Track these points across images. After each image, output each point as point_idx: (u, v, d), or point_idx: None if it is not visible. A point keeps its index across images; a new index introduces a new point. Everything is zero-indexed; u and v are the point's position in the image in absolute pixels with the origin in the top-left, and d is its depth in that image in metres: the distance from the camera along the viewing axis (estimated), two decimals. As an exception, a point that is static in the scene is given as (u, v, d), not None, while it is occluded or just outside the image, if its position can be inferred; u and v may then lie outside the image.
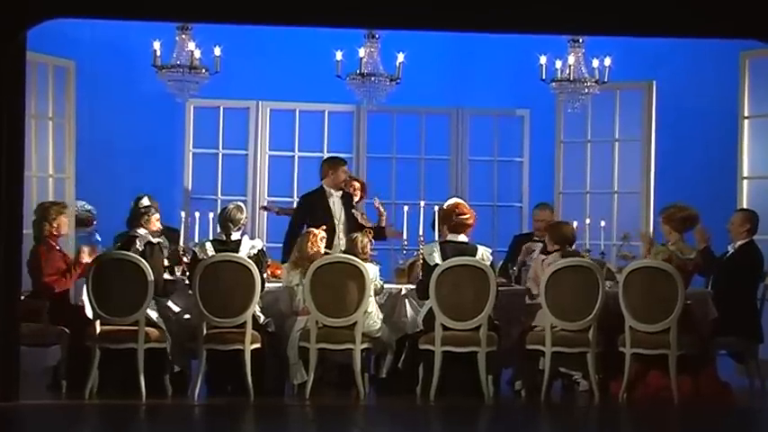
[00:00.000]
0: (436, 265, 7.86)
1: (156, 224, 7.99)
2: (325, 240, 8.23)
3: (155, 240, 7.84)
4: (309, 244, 8.09)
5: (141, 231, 7.85)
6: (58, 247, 8.12)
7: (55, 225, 8.05)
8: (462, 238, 8.02)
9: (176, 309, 7.98)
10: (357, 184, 9.32)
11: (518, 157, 10.89)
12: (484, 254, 7.94)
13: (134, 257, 7.62)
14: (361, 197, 9.35)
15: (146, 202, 8.05)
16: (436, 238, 8.25)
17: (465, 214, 8.05)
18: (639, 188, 10.21)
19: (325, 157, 9.64)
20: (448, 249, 7.92)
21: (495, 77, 10.93)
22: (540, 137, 10.81)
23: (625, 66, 9.72)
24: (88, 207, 9.40)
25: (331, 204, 8.96)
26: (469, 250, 7.93)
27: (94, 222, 9.59)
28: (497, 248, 9.84)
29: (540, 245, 8.53)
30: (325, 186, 9.06)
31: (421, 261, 8.12)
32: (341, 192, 9.06)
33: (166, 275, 7.98)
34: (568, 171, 10.58)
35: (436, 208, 8.48)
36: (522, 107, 10.85)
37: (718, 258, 8.35)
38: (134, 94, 10.48)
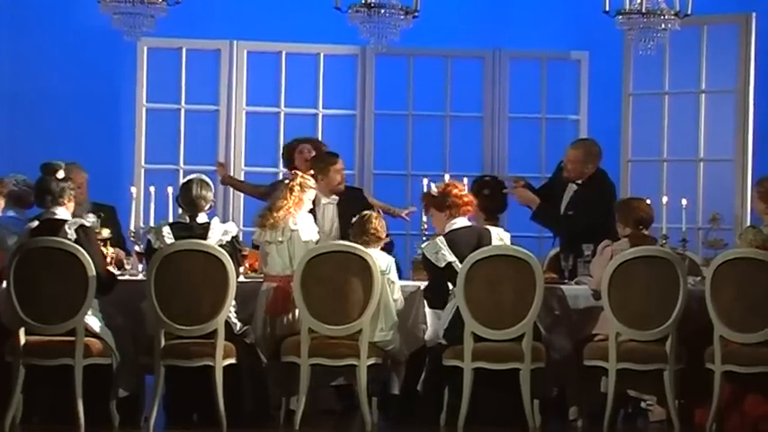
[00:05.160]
0: (449, 264, 7.87)
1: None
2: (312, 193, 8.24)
3: (88, 222, 7.80)
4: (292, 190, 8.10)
5: (61, 212, 7.78)
6: None
7: None
8: (465, 221, 8.07)
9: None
10: (308, 147, 9.31)
11: (573, 115, 10.91)
12: (500, 235, 7.98)
13: (68, 245, 7.60)
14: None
15: (62, 173, 7.93)
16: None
17: (463, 190, 8.15)
18: (733, 155, 10.21)
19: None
20: (458, 240, 7.91)
21: (542, 10, 10.93)
22: (601, 88, 10.83)
23: (714, -7, 9.70)
24: (29, 182, 9.34)
25: (318, 214, 8.92)
26: (484, 236, 7.96)
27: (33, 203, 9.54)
28: (546, 234, 9.82)
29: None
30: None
31: (422, 263, 8.15)
32: (337, 198, 9.02)
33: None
34: (639, 133, 10.59)
35: (425, 181, 8.43)
36: (579, 49, 10.85)
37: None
38: (70, 31, 10.49)
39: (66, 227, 7.69)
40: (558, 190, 9.17)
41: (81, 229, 7.72)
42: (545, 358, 7.88)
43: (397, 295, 8.02)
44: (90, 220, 7.84)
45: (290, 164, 9.47)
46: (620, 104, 10.62)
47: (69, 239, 7.62)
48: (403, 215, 9.40)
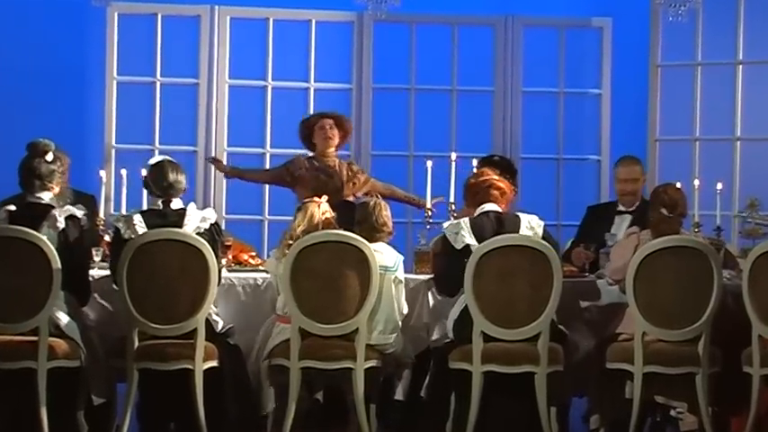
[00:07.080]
0: (466, 247, 7.87)
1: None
2: (327, 215, 8.17)
3: (79, 213, 7.78)
4: (309, 217, 8.02)
5: (47, 197, 7.77)
6: None
7: None
8: (495, 207, 8.05)
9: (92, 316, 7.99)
10: (330, 122, 9.30)
11: (594, 89, 10.94)
12: (531, 223, 7.94)
13: (31, 235, 7.56)
14: (340, 144, 9.35)
15: (52, 155, 7.94)
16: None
17: (490, 175, 8.11)
18: (774, 133, 10.22)
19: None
20: (482, 224, 7.92)
21: (560, -29, 10.93)
22: (626, 58, 10.88)
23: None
24: None
25: None
26: (510, 222, 7.95)
27: None
28: (564, 222, 9.81)
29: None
30: None
31: (438, 245, 8.14)
32: None
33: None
34: (668, 109, 10.63)
35: (429, 163, 8.40)
36: (601, 15, 10.87)
37: None
38: (29, -6, 10.50)
39: (57, 213, 7.67)
40: (597, 232, 9.00)
41: (71, 219, 7.70)
42: (563, 360, 7.88)
43: (402, 300, 7.99)
44: (80, 212, 7.79)
45: (309, 143, 9.42)
46: (647, 77, 10.66)
47: (57, 227, 7.61)
48: (428, 206, 9.21)
